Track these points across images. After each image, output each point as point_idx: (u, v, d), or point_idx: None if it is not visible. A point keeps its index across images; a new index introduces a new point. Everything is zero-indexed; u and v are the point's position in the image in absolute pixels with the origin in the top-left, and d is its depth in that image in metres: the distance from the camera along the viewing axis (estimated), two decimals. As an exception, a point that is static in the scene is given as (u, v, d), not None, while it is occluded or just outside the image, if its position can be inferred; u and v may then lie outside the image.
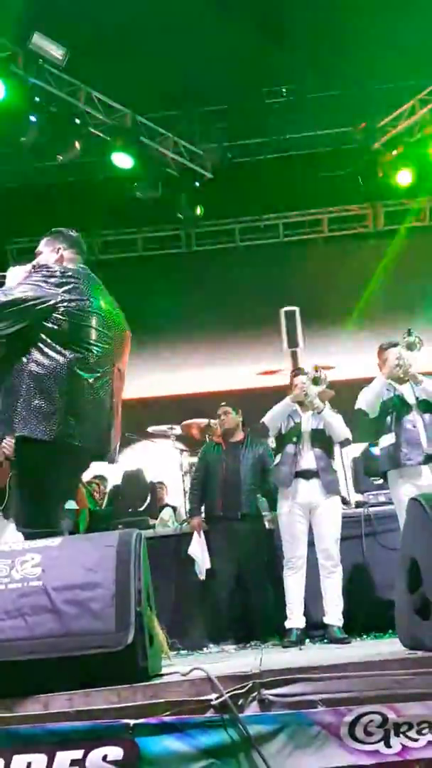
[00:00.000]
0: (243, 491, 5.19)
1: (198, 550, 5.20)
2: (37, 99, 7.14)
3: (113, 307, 3.12)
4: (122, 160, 7.83)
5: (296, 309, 8.48)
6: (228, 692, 2.03)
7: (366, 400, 4.53)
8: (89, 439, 2.87)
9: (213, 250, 10.26)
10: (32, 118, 7.14)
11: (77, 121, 7.45)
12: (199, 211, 8.53)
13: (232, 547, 5.14)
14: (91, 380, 2.87)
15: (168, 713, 2.03)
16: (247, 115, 8.62)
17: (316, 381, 4.74)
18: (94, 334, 2.93)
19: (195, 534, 5.26)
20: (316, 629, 4.67)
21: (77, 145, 7.52)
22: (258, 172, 8.73)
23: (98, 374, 2.91)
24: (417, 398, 4.48)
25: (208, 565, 5.16)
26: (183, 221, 8.93)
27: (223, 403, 5.71)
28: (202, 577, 5.16)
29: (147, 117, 8.21)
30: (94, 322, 2.94)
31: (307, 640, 4.56)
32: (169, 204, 8.55)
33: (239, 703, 2.04)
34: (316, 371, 4.78)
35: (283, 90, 8.32)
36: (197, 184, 8.45)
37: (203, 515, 5.34)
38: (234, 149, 8.68)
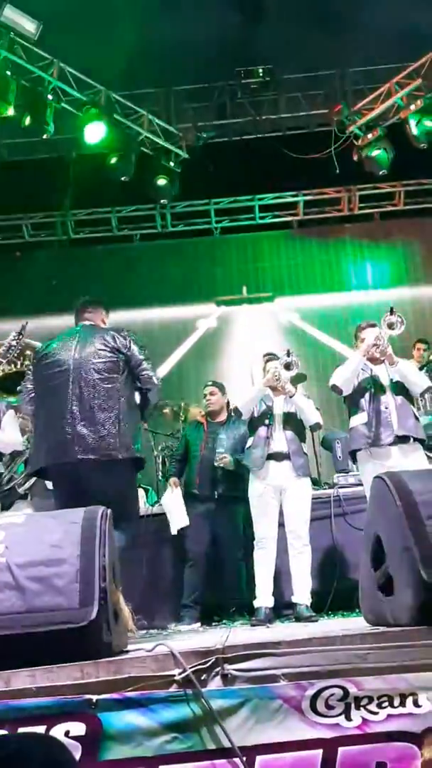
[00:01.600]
0: (220, 471, 5.21)
1: (171, 503, 5.14)
2: (8, 73, 6.99)
3: (81, 340, 3.67)
4: (95, 137, 7.70)
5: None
6: (191, 667, 2.04)
7: (342, 377, 4.50)
8: (49, 457, 3.48)
9: (187, 231, 10.22)
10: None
11: (50, 97, 7.30)
12: (173, 190, 8.46)
13: (207, 527, 5.12)
14: (47, 409, 3.56)
15: (131, 689, 2.03)
16: (223, 95, 8.55)
17: (288, 366, 4.74)
18: (48, 375, 3.61)
19: (169, 488, 5.24)
20: (285, 609, 4.71)
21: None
22: (234, 153, 8.67)
23: (53, 403, 3.52)
24: (391, 379, 4.48)
25: (185, 522, 5.09)
26: (157, 200, 8.85)
27: (209, 383, 5.63)
28: (174, 532, 5.10)
29: (121, 95, 8.10)
30: (49, 365, 3.62)
31: (277, 620, 4.59)
32: (143, 183, 8.46)
33: (202, 678, 2.05)
34: (288, 356, 4.77)
35: (260, 70, 8.24)
36: (172, 164, 8.37)
37: (182, 488, 5.33)
38: (209, 129, 8.59)
